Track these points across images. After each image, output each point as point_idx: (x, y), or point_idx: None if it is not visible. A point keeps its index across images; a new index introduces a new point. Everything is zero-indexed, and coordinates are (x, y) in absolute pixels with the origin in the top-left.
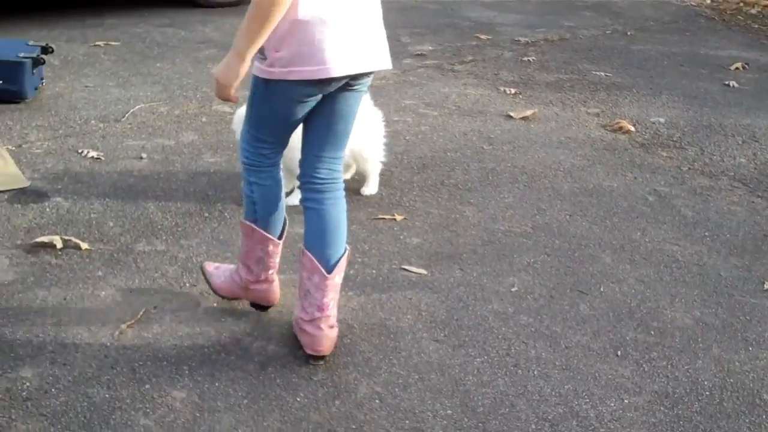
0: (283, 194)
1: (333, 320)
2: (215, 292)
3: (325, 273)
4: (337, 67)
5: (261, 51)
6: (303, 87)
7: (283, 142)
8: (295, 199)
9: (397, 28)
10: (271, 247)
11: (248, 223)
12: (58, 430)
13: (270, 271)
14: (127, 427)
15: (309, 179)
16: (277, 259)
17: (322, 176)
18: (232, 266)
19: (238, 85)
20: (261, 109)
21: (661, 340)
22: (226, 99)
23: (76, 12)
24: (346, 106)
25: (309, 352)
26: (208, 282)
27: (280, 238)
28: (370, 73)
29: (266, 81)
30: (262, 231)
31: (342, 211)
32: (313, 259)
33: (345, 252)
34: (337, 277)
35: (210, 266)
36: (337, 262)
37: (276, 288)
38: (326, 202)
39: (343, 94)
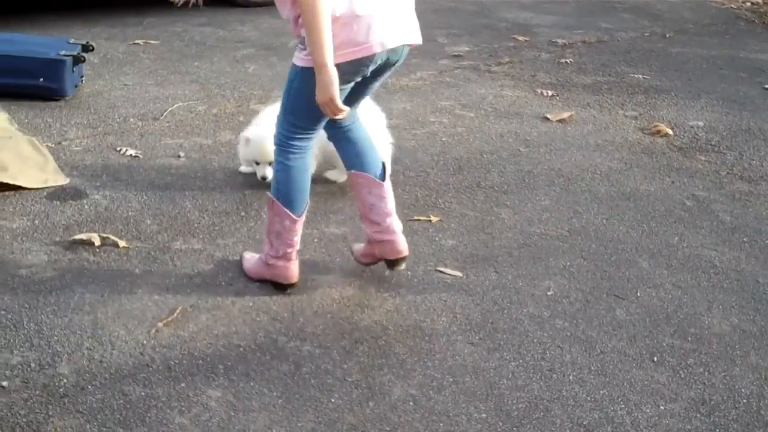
0: (308, 178)
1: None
2: (245, 274)
3: (380, 181)
4: (375, 45)
5: (302, 41)
6: (342, 72)
7: (317, 128)
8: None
9: (433, 29)
10: (287, 223)
11: (271, 196)
12: (95, 427)
13: (289, 249)
14: (162, 425)
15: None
16: (296, 238)
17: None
18: (259, 256)
19: (338, 94)
20: (299, 97)
21: (698, 347)
22: (336, 112)
23: (117, 11)
24: (369, 90)
25: (392, 258)
26: (242, 266)
27: (298, 216)
28: (395, 63)
29: (306, 69)
30: (280, 204)
31: (366, 132)
32: (366, 174)
33: (384, 165)
34: (388, 185)
35: (248, 254)
36: (383, 171)
37: (295, 267)
38: (353, 129)
39: (370, 83)
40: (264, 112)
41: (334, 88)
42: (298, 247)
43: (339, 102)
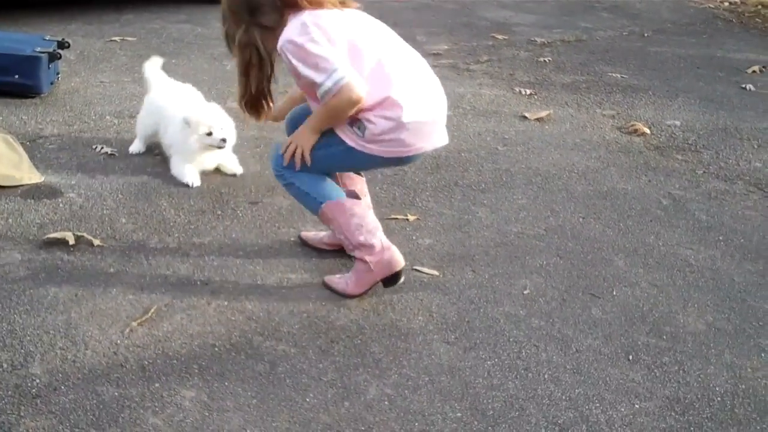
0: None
1: None
2: (345, 296)
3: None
4: (427, 145)
5: (358, 127)
6: (391, 162)
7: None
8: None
9: (413, 27)
10: (356, 209)
11: (318, 209)
12: (67, 427)
13: (378, 233)
14: (135, 426)
15: None
16: (372, 220)
17: None
18: (346, 274)
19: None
20: (331, 161)
21: (673, 345)
22: (299, 159)
23: (93, 7)
24: None
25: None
26: (336, 292)
27: (352, 197)
28: None
29: (352, 149)
30: (332, 203)
31: None
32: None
33: None
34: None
35: (332, 278)
36: None
37: (396, 250)
38: None
39: None
40: (151, 95)
41: (310, 146)
42: (380, 228)
43: (308, 155)
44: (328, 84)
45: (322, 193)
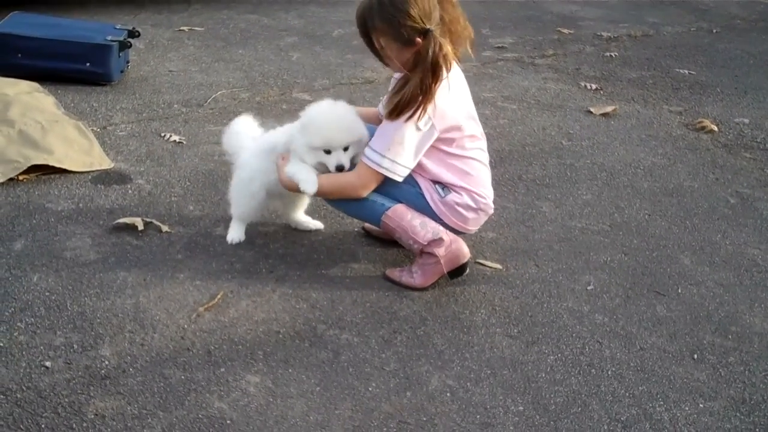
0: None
1: None
2: (415, 289)
3: None
4: (472, 229)
5: (442, 188)
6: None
7: None
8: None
9: (478, 20)
10: (411, 211)
11: (387, 214)
12: (135, 408)
13: (441, 227)
14: (201, 409)
15: None
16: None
17: None
18: (407, 267)
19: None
20: (396, 191)
21: (739, 345)
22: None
23: None
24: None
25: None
26: (401, 285)
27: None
28: None
29: (425, 201)
30: (391, 212)
31: None
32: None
33: None
34: None
35: (394, 273)
36: None
37: (462, 242)
38: None
39: None
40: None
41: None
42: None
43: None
44: (381, 161)
45: (382, 201)
